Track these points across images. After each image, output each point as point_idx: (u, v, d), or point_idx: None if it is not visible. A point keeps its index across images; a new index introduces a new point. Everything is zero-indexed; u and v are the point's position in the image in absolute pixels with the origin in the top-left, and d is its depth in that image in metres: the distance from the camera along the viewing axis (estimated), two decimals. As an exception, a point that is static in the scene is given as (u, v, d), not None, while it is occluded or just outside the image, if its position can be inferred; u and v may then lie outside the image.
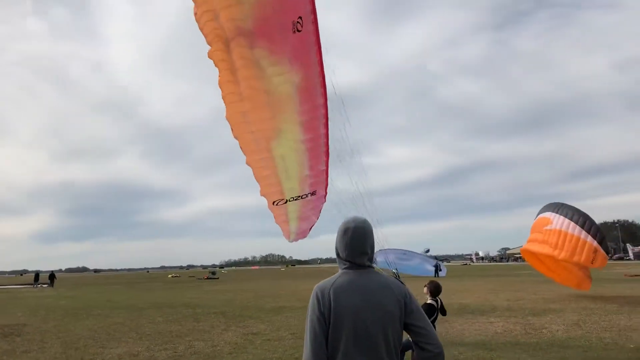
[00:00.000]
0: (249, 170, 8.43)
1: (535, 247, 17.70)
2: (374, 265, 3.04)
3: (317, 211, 9.76)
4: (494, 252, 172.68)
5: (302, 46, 6.85)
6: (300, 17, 6.55)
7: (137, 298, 31.06)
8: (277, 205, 9.09)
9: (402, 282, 2.95)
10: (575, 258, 16.07)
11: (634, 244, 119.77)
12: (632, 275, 41.54)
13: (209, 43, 6.77)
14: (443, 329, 12.59)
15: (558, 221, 16.92)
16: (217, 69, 6.90)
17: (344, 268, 2.97)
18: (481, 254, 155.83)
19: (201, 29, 6.71)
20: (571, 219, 16.58)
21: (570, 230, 16.48)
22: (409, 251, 47.21)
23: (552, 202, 19.09)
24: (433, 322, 8.98)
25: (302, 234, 10.11)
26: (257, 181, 8.76)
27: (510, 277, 43.77)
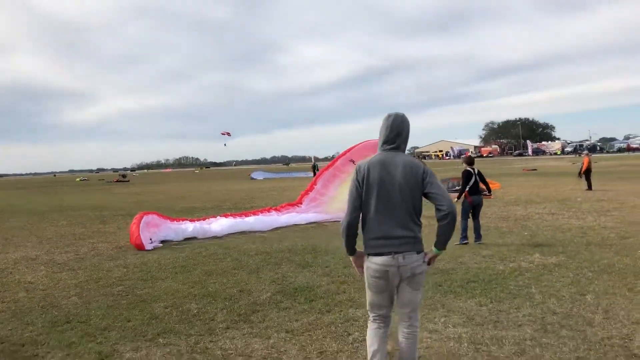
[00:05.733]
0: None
1: None
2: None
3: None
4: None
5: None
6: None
7: (40, 202, 29.78)
8: None
9: (423, 163, 3.72)
10: None
11: (533, 141, 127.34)
12: (529, 170, 44.33)
13: None
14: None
15: None
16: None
17: (380, 151, 3.78)
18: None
19: None
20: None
21: None
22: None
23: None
24: (474, 184, 10.44)
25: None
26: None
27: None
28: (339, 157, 16.25)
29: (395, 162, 3.67)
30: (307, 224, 14.33)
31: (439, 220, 3.62)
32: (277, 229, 13.54)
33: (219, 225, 12.84)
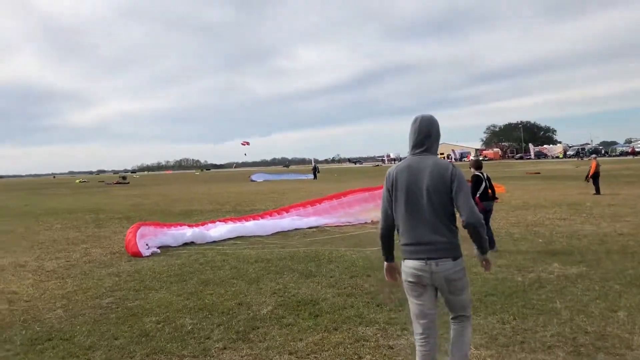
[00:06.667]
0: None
1: None
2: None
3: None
4: (404, 154, 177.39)
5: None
6: None
7: (36, 204, 29.22)
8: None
9: (453, 165, 3.55)
10: None
11: (535, 144, 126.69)
12: (532, 173, 43.75)
13: None
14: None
15: None
16: None
17: (410, 156, 3.71)
18: (392, 155, 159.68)
19: None
20: None
21: None
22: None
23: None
24: (485, 190, 10.05)
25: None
26: None
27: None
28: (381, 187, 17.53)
29: (422, 166, 3.57)
30: (308, 228, 13.81)
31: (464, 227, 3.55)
32: (277, 233, 13.03)
33: (218, 231, 12.31)
